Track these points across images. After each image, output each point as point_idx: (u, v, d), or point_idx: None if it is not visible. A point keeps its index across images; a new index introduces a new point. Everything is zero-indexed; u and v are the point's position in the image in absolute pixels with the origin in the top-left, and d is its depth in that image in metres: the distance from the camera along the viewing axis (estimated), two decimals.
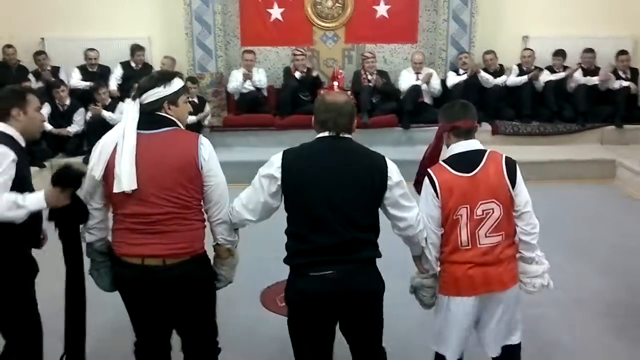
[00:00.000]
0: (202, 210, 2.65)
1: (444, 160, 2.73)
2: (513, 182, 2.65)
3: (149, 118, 2.55)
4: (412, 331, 3.64)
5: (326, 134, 2.52)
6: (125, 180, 2.44)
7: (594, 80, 8.03)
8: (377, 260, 2.60)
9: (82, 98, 7.86)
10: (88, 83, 8.03)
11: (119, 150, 2.47)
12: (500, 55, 8.29)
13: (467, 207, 2.61)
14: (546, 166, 7.22)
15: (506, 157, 2.71)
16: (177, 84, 2.63)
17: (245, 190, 2.62)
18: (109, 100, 7.61)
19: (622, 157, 7.28)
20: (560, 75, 8.11)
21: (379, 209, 2.57)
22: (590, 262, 4.83)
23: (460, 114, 2.73)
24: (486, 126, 7.94)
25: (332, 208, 2.44)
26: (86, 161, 7.23)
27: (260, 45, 8.65)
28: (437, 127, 2.82)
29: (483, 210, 2.62)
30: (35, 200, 2.53)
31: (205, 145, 2.57)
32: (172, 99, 2.61)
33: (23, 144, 2.75)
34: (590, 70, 8.16)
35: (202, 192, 2.60)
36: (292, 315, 2.63)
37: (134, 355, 2.83)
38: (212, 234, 2.73)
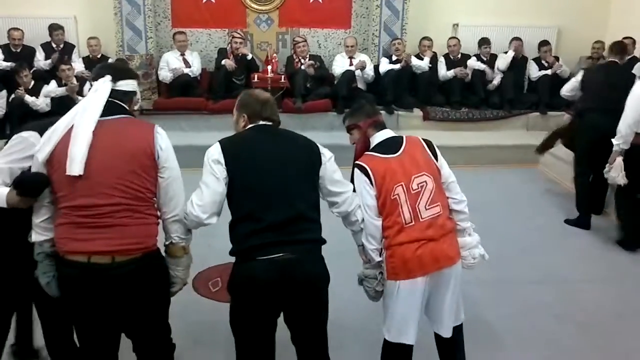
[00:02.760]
0: (156, 206, 2.51)
1: (369, 151, 2.85)
2: (435, 156, 2.83)
3: (109, 104, 2.45)
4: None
5: (260, 122, 2.65)
6: (77, 162, 2.29)
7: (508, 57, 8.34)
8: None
9: (3, 79, 7.48)
10: (9, 63, 7.66)
11: (75, 129, 2.34)
12: None
13: (402, 185, 2.71)
14: (474, 151, 7.44)
15: (422, 137, 2.90)
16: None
17: (195, 193, 2.52)
18: (32, 82, 7.28)
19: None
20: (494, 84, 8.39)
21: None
22: (513, 243, 5.01)
23: (374, 111, 2.97)
24: (417, 112, 8.12)
25: (279, 182, 2.49)
26: None
27: (192, 27, 8.48)
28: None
29: (418, 184, 2.73)
30: None
31: (162, 135, 2.49)
32: (139, 97, 2.59)
33: None
34: (517, 59, 8.43)
35: (155, 185, 2.47)
36: (238, 302, 2.56)
37: None
38: (165, 232, 2.59)
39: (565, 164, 6.82)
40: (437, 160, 2.83)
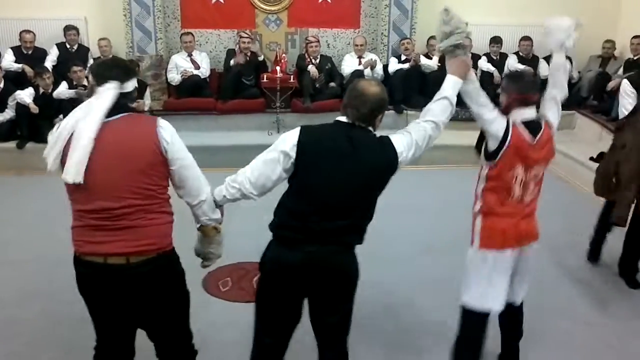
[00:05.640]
0: (169, 202, 2.50)
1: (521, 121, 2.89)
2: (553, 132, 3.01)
3: (113, 106, 2.36)
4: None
5: (344, 119, 2.51)
6: (73, 170, 2.25)
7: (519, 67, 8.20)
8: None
9: (15, 81, 7.55)
10: (20, 65, 7.74)
11: (76, 135, 2.28)
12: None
13: (523, 167, 2.84)
14: None
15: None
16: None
17: (252, 167, 2.52)
18: (52, 86, 7.30)
19: (556, 141, 7.50)
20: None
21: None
22: None
23: (532, 88, 2.97)
24: None
25: (335, 197, 2.44)
26: (20, 146, 7.06)
27: (201, 28, 8.53)
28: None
29: (534, 174, 2.89)
30: None
31: (165, 128, 2.42)
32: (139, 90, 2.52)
33: None
34: (528, 59, 8.39)
35: (167, 180, 2.46)
36: (264, 282, 2.62)
37: None
38: (194, 217, 2.63)
39: (575, 162, 6.80)
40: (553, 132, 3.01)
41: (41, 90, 7.24)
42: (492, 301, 2.94)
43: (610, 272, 4.63)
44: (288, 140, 2.45)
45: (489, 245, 2.88)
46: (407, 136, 2.56)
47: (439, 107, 2.69)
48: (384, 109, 2.54)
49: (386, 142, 2.51)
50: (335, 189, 2.44)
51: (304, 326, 2.68)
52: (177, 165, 2.45)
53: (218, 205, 2.66)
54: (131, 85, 2.46)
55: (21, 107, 7.12)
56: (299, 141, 2.43)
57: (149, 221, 2.39)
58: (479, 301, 2.94)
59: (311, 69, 8.01)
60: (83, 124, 2.31)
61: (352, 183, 2.44)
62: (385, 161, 2.50)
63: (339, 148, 2.44)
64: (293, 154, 2.43)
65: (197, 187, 2.53)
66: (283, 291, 2.57)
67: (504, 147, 2.80)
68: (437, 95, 2.73)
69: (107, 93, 2.37)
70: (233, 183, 2.58)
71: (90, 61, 8.05)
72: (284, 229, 2.53)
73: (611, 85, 7.72)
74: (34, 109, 7.09)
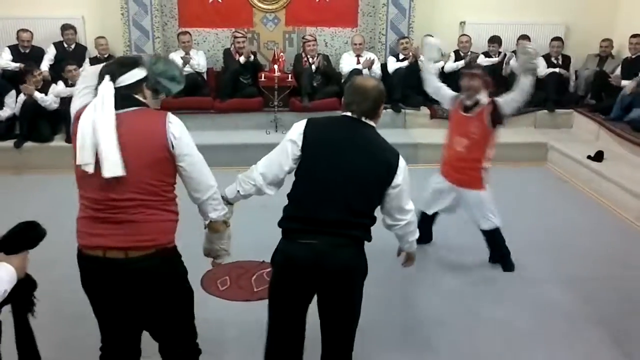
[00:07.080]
0: (175, 201, 2.48)
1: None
2: None
3: (119, 99, 2.35)
4: None
5: (348, 114, 2.63)
6: (109, 164, 2.26)
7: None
8: None
9: (12, 80, 7.52)
10: (18, 64, 7.71)
11: (100, 130, 2.27)
12: None
13: None
14: None
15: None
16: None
17: (264, 159, 2.66)
18: (42, 82, 7.26)
19: (554, 140, 7.54)
20: (493, 60, 8.31)
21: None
22: (522, 242, 5.00)
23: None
24: (425, 110, 8.10)
25: (333, 186, 2.52)
26: (17, 145, 7.04)
27: (199, 27, 8.50)
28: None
29: None
30: (7, 278, 2.18)
31: (174, 123, 2.39)
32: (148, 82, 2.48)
33: None
34: None
35: (173, 177, 2.45)
36: (275, 277, 2.67)
37: None
38: (203, 215, 2.63)
39: (573, 161, 6.81)
40: None
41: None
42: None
43: (609, 270, 4.63)
44: (295, 129, 2.59)
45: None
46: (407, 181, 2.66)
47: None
48: (383, 101, 2.68)
49: (391, 149, 2.62)
50: (333, 178, 2.51)
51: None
52: (185, 162, 2.43)
53: (230, 202, 2.74)
54: (128, 78, 2.42)
55: (29, 105, 7.07)
56: (305, 130, 2.56)
57: (148, 217, 2.38)
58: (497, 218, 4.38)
59: (316, 63, 8.00)
60: (100, 115, 2.30)
61: (349, 175, 2.52)
62: (384, 160, 2.57)
63: (341, 140, 2.56)
64: (300, 142, 2.55)
65: (205, 182, 2.52)
66: (289, 285, 2.62)
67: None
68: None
69: (105, 88, 2.35)
70: (247, 179, 2.69)
71: (87, 60, 8.05)
72: (287, 220, 2.61)
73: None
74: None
